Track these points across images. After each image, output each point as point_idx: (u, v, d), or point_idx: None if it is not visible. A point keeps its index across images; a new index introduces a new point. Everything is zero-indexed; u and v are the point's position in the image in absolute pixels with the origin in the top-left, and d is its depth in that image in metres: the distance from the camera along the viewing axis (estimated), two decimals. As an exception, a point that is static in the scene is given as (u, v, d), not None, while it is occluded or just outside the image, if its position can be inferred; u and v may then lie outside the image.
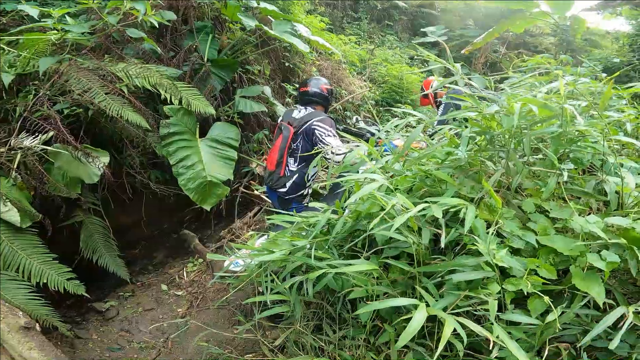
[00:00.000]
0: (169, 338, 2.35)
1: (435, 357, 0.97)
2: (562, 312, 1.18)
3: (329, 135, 2.30)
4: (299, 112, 2.48)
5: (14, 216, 2.14)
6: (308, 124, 2.35)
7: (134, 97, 2.69)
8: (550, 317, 1.17)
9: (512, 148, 1.43)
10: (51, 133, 2.32)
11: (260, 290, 2.12)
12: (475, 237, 1.14)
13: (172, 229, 3.74)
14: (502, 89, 1.98)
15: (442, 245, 1.11)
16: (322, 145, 2.26)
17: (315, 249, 1.45)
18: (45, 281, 2.15)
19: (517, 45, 8.64)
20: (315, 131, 2.31)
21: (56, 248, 2.35)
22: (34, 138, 2.30)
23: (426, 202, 1.18)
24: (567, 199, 1.39)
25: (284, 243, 1.62)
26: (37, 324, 2.03)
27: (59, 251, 2.35)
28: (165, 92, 2.83)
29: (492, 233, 1.17)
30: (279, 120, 2.66)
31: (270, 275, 1.64)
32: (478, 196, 1.34)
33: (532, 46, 8.59)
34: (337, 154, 2.23)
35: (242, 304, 2.55)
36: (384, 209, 1.31)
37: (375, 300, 1.41)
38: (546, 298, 1.10)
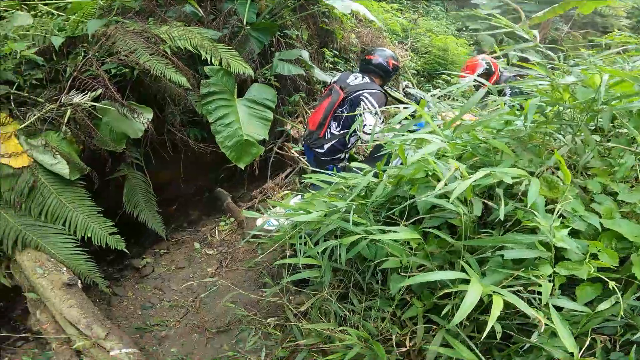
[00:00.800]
0: (198, 298, 2.43)
1: (482, 338, 0.91)
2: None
3: (370, 112, 2.22)
4: (355, 78, 2.43)
5: (63, 169, 2.22)
6: (358, 93, 2.30)
7: (177, 58, 2.72)
8: (602, 306, 1.07)
9: (584, 123, 1.27)
10: (99, 91, 2.39)
11: (290, 253, 2.14)
12: (535, 213, 1.04)
13: (207, 187, 3.82)
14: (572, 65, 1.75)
15: (502, 216, 1.01)
16: (362, 119, 2.22)
17: (352, 213, 1.40)
18: (89, 235, 2.24)
19: (584, 24, 7.80)
20: (362, 102, 2.27)
21: (101, 202, 2.45)
22: (83, 95, 2.37)
23: (480, 170, 1.07)
24: (637, 181, 1.24)
25: (320, 204, 1.56)
26: (79, 281, 2.13)
27: (103, 205, 2.45)
28: (206, 53, 2.81)
29: (558, 212, 1.05)
30: (331, 82, 2.60)
31: (304, 237, 1.61)
32: (538, 171, 1.21)
33: (601, 27, 7.71)
34: (366, 133, 2.20)
35: (271, 267, 2.59)
36: (430, 175, 1.23)
37: (409, 272, 1.34)
38: (611, 283, 1.00)
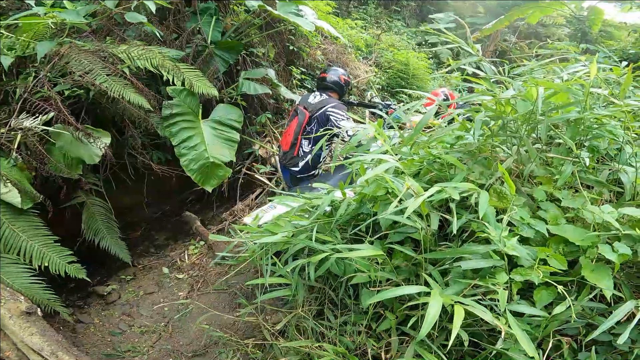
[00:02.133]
0: (170, 322, 2.35)
1: (448, 348, 0.94)
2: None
3: (342, 119, 2.48)
4: (315, 97, 2.67)
5: (14, 197, 2.11)
6: (323, 109, 2.53)
7: (136, 78, 2.67)
8: (557, 309, 1.14)
9: (525, 134, 1.37)
10: (52, 114, 2.29)
11: (263, 273, 2.13)
12: (486, 224, 1.10)
13: (173, 211, 3.72)
14: (515, 75, 1.90)
15: (455, 230, 1.07)
16: (339, 130, 2.43)
17: (318, 232, 1.42)
18: (46, 264, 2.13)
19: (529, 34, 8.41)
20: (331, 117, 2.49)
21: (58, 230, 2.33)
22: (34, 119, 2.27)
23: (434, 186, 1.13)
24: (579, 188, 1.35)
25: (287, 224, 1.58)
26: (39, 309, 2.01)
27: (61, 233, 2.34)
28: (168, 73, 2.78)
29: (506, 221, 1.12)
30: (295, 104, 2.83)
31: (272, 258, 1.61)
32: (488, 182, 1.29)
33: (544, 36, 8.35)
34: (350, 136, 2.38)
35: (244, 287, 2.55)
36: (390, 192, 1.27)
37: (378, 286, 1.38)
38: (559, 288, 1.06)
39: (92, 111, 2.76)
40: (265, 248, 1.65)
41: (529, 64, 1.88)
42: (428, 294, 1.10)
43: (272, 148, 3.61)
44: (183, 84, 2.84)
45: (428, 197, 1.06)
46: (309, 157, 2.55)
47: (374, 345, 1.44)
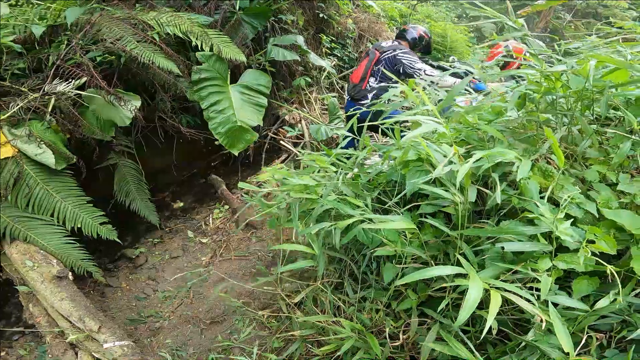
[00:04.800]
0: (192, 288, 2.38)
1: (482, 337, 0.86)
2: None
3: (417, 62, 2.64)
4: (387, 42, 2.85)
5: (48, 158, 2.13)
6: (393, 53, 2.70)
7: (165, 44, 2.62)
8: (601, 304, 1.01)
9: (578, 112, 1.21)
10: (84, 79, 2.28)
11: (284, 239, 2.10)
12: (537, 202, 0.98)
13: (200, 174, 3.75)
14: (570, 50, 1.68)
15: (498, 200, 0.95)
16: (414, 71, 2.61)
17: (345, 195, 1.33)
18: (79, 226, 2.17)
19: (586, 14, 7.64)
20: (403, 60, 2.65)
21: (91, 191, 2.37)
22: (67, 84, 2.26)
23: (477, 153, 1.01)
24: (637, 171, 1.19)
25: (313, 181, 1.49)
26: (70, 273, 2.05)
27: (94, 194, 2.38)
28: (197, 39, 2.71)
29: (547, 197, 0.99)
30: (370, 47, 3.04)
31: (295, 212, 1.52)
32: (533, 158, 1.15)
33: (603, 17, 7.55)
34: (428, 74, 2.53)
35: (265, 255, 2.55)
36: (423, 159, 1.17)
37: (403, 262, 1.30)
38: (612, 271, 0.94)
39: (123, 77, 2.75)
40: (292, 203, 1.57)
41: (588, 40, 1.64)
42: (460, 275, 1.02)
43: (303, 112, 3.51)
44: (211, 49, 2.75)
45: (475, 164, 0.94)
46: (375, 91, 2.74)
47: (392, 325, 1.38)
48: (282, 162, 3.49)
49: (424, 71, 2.58)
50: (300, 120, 3.53)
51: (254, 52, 3.23)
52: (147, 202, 2.90)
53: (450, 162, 1.03)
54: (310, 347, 1.59)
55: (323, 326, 1.51)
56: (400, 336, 1.30)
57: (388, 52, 2.72)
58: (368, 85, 2.75)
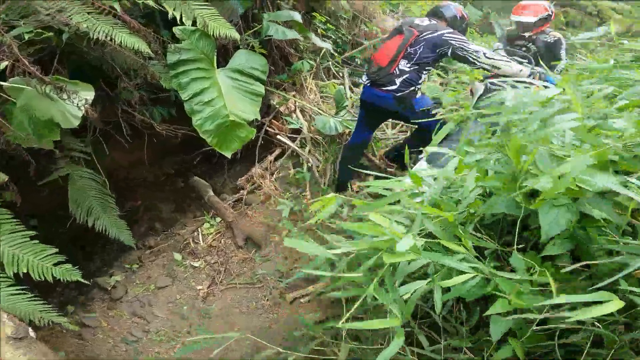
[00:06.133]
0: (192, 326, 1.79)
1: None
2: None
3: (469, 43, 2.10)
4: (422, 21, 2.25)
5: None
6: (437, 34, 2.12)
7: (130, 16, 1.81)
8: None
9: None
10: (4, 63, 1.44)
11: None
12: None
13: (178, 174, 3.00)
14: None
15: None
16: (468, 53, 2.05)
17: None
18: (24, 270, 1.45)
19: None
20: (452, 41, 2.10)
21: (37, 207, 1.66)
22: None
23: None
24: None
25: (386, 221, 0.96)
26: (30, 328, 1.39)
27: (44, 210, 1.70)
28: (174, 10, 1.91)
29: None
30: (397, 23, 2.39)
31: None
32: None
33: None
34: (488, 57, 2.02)
35: (277, 279, 2.00)
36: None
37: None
38: None
39: (68, 60, 1.90)
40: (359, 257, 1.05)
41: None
42: None
43: (302, 102, 2.86)
44: (194, 23, 1.98)
45: None
46: (407, 75, 2.15)
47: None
48: (276, 158, 2.86)
49: (483, 54, 2.03)
50: (295, 110, 2.88)
51: (242, 31, 2.47)
52: (115, 219, 2.16)
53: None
54: None
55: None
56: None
57: (429, 32, 2.13)
58: (397, 69, 2.15)
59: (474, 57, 2.01)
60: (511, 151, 0.92)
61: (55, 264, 1.55)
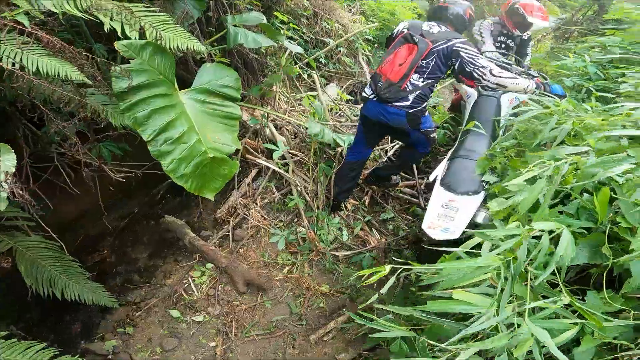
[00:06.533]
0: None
1: None
2: None
3: (479, 57, 1.86)
4: (431, 27, 1.99)
5: None
6: (449, 44, 1.88)
7: (47, 33, 1.35)
8: None
9: None
10: None
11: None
12: None
13: (144, 214, 2.54)
14: None
15: None
16: (476, 69, 1.83)
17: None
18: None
19: None
20: (461, 53, 1.85)
21: None
22: None
23: None
24: None
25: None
26: None
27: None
28: (112, 19, 1.46)
29: None
30: (400, 30, 2.07)
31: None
32: None
33: None
34: (494, 75, 1.80)
35: (296, 325, 1.72)
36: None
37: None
38: None
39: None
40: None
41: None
42: None
43: (274, 114, 2.53)
44: (142, 36, 1.56)
45: None
46: (419, 91, 1.94)
47: None
48: (253, 179, 2.52)
49: (490, 71, 1.80)
50: (265, 127, 2.55)
51: (201, 40, 2.06)
52: (86, 283, 1.72)
53: None
54: None
55: None
56: None
57: (442, 42, 1.89)
58: (409, 84, 1.91)
59: (480, 74, 1.81)
60: (599, 204, 0.90)
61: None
